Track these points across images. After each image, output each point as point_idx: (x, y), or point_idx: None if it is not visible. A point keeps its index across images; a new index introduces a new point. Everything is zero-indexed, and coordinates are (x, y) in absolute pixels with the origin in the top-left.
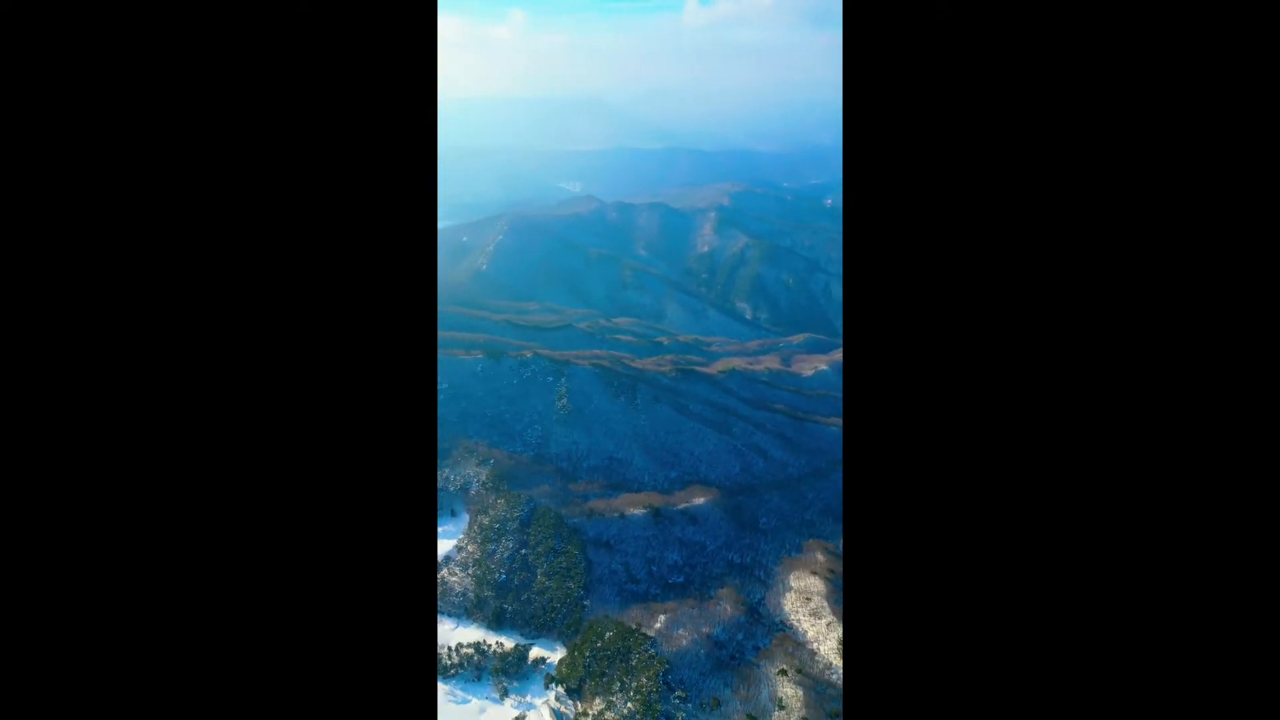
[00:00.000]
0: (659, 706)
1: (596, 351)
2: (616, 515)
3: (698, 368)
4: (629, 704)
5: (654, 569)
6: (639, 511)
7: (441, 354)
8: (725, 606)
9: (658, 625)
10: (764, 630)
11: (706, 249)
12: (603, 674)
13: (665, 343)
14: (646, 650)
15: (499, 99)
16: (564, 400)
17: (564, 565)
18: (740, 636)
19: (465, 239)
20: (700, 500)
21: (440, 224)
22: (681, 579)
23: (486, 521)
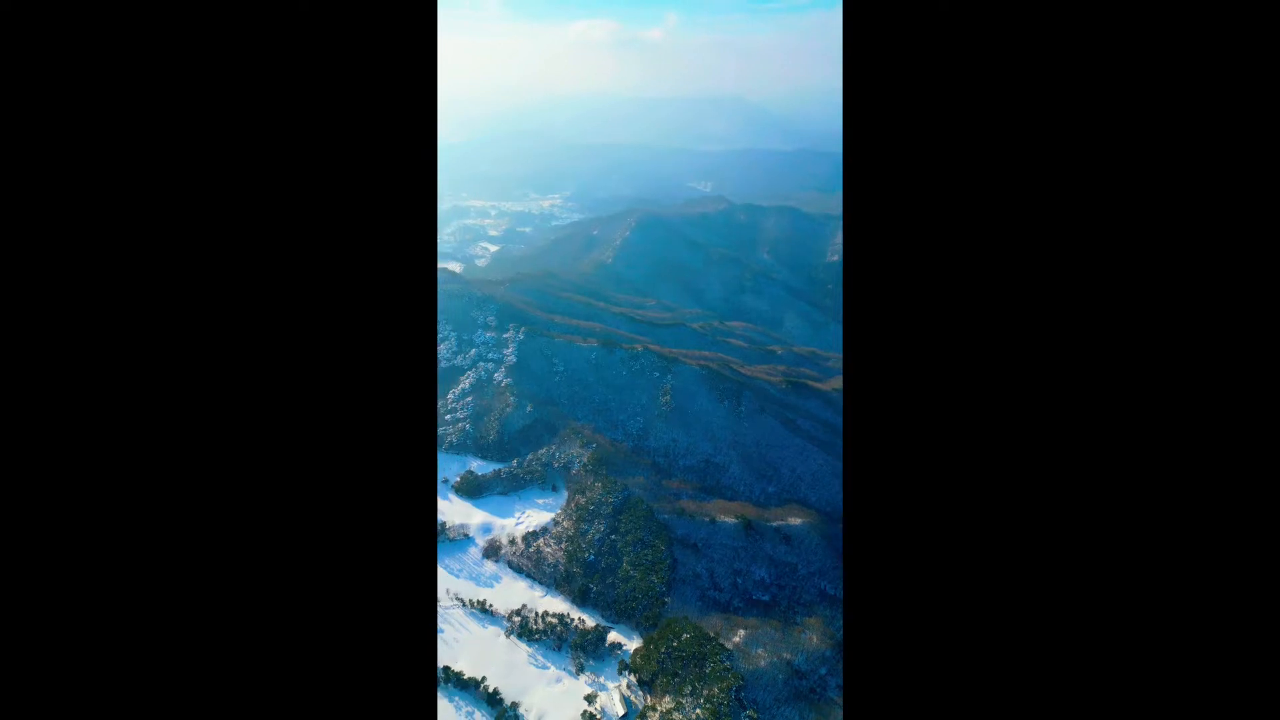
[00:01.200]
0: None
1: (706, 353)
2: (707, 519)
3: (810, 382)
4: (698, 710)
5: (739, 581)
6: (730, 520)
7: (559, 339)
8: (811, 636)
9: (736, 639)
10: None
11: (835, 258)
12: (675, 674)
13: (779, 352)
14: (722, 661)
15: (643, 99)
16: (668, 397)
17: (650, 558)
18: (824, 670)
19: (595, 233)
20: (796, 520)
21: (571, 218)
22: (768, 598)
23: (583, 501)
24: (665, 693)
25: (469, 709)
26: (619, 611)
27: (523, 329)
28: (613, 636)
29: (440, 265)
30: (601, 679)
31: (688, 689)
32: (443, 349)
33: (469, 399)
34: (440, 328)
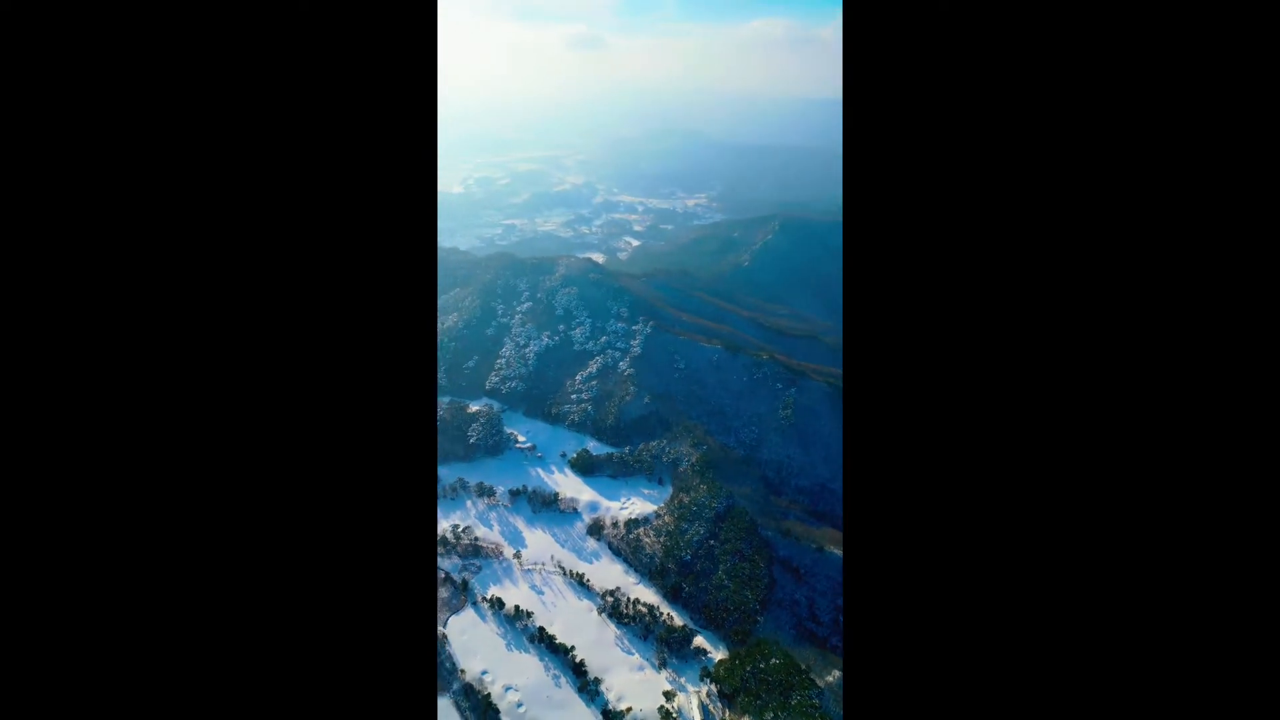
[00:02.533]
0: None
1: (835, 370)
2: (814, 546)
3: None
4: None
5: (841, 620)
6: (838, 551)
7: (684, 337)
8: None
9: (829, 678)
10: None
11: None
12: (759, 696)
13: None
14: (811, 697)
15: (814, 100)
16: (788, 410)
17: (747, 572)
18: None
19: (736, 235)
20: None
21: (714, 218)
22: None
23: (686, 500)
24: (745, 712)
25: (555, 672)
26: (708, 618)
27: (651, 323)
28: (699, 641)
29: (585, 255)
30: (683, 680)
31: (769, 716)
32: (576, 333)
33: (594, 382)
34: (577, 313)
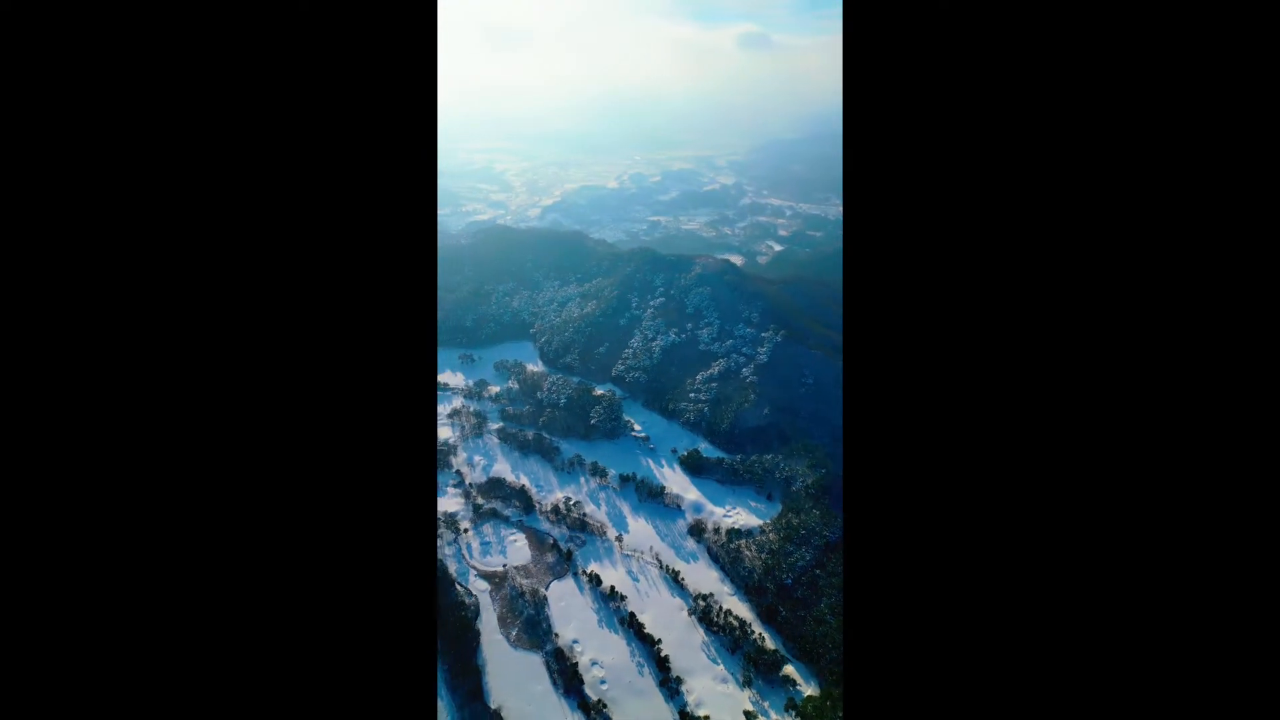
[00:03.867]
0: None
1: None
2: None
3: None
4: None
5: None
6: None
7: (814, 350)
8: None
9: None
10: None
11: None
12: None
13: None
14: None
15: None
16: None
17: None
18: None
19: None
20: None
21: None
22: None
23: (796, 522)
24: None
25: (640, 660)
26: (802, 649)
27: (782, 331)
28: (789, 670)
29: (723, 256)
30: (766, 705)
31: None
32: (703, 333)
33: (714, 384)
34: (706, 313)
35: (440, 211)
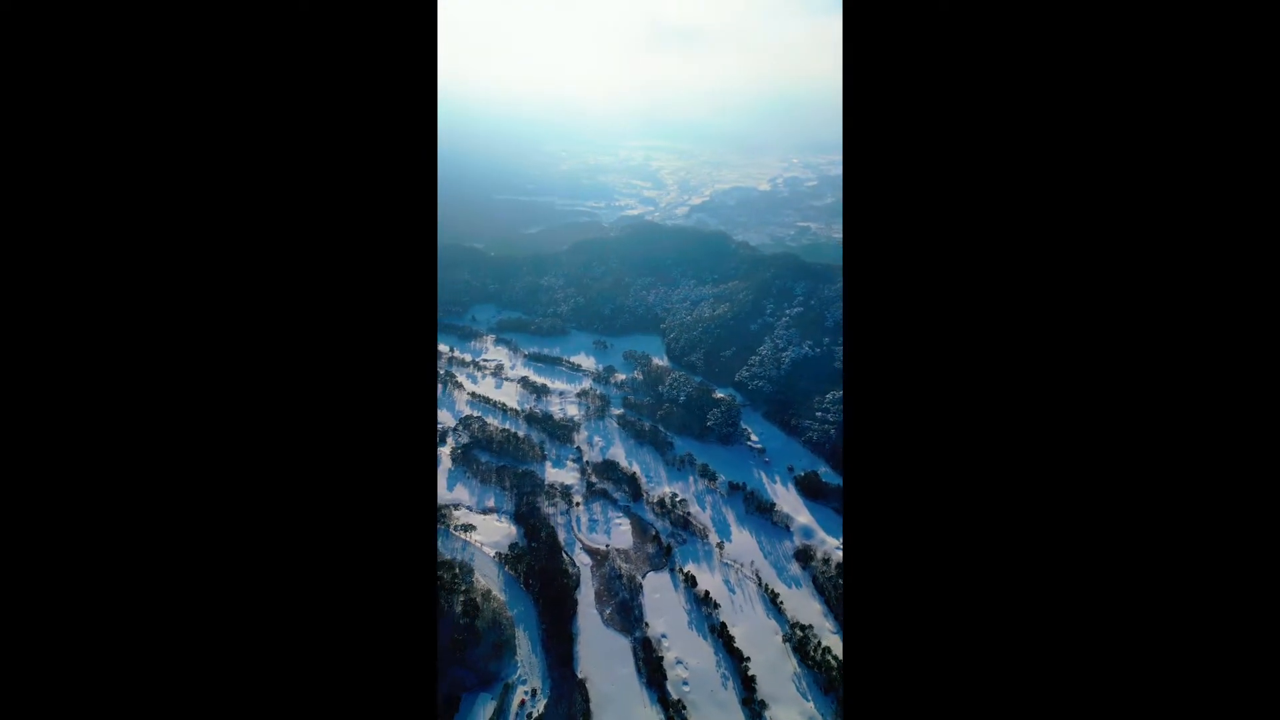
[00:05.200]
0: None
1: None
2: None
3: None
4: None
5: None
6: None
7: None
8: None
9: None
10: None
11: None
12: None
13: None
14: None
15: None
16: None
17: None
18: None
19: None
20: None
21: None
22: None
23: None
24: None
25: (725, 673)
26: None
27: None
28: None
29: None
30: None
31: None
32: (840, 349)
33: (840, 407)
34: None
35: (595, 205)
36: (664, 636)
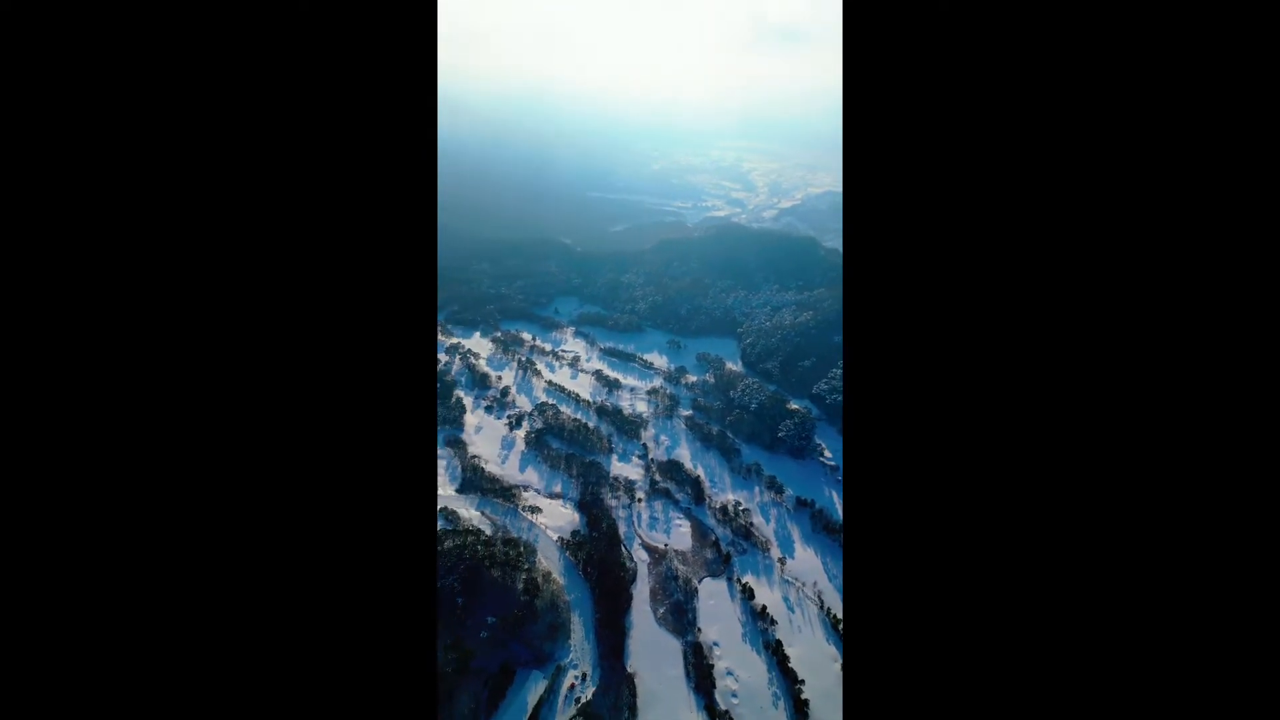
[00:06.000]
0: None
1: None
2: None
3: None
4: None
5: None
6: None
7: None
8: None
9: None
10: None
11: None
12: None
13: None
14: None
15: None
16: None
17: None
18: None
19: None
20: None
21: None
22: None
23: None
24: None
25: (777, 691)
26: None
27: None
28: None
29: None
30: None
31: None
32: None
33: None
34: None
35: (681, 205)
36: (716, 644)
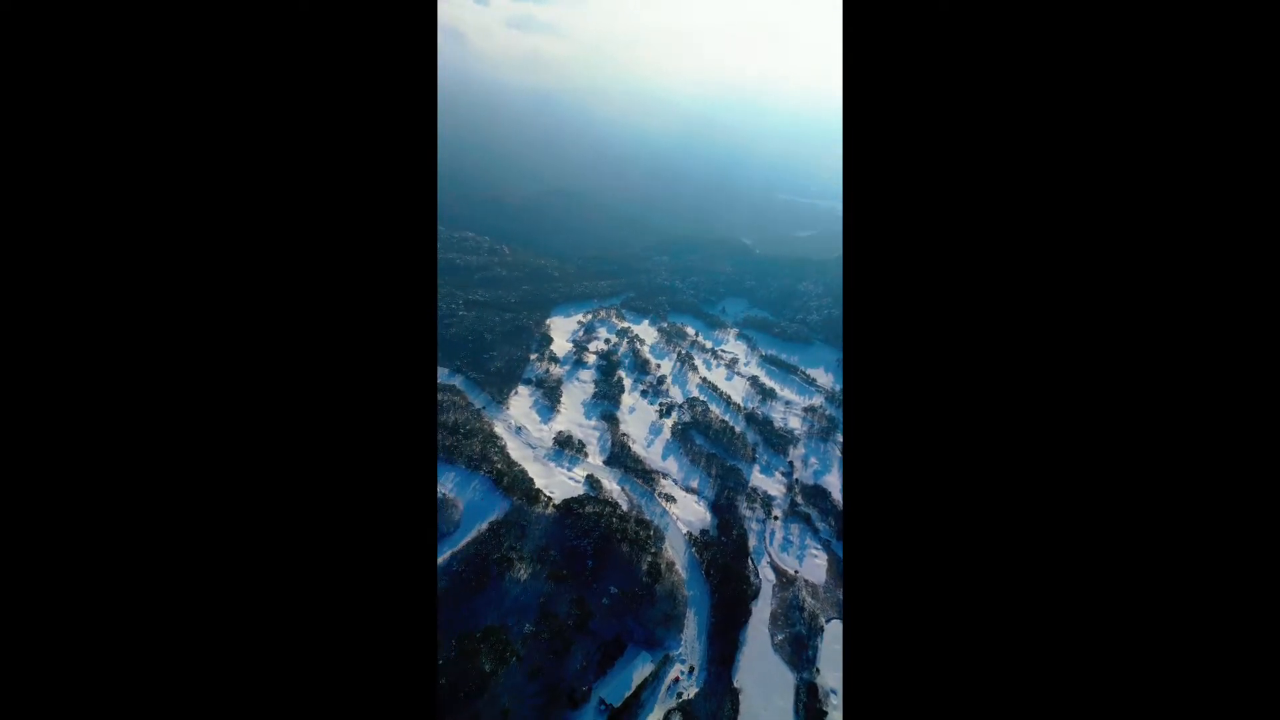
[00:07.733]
0: None
1: None
2: None
3: None
4: None
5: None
6: None
7: None
8: None
9: None
10: None
11: None
12: None
13: None
14: None
15: None
16: None
17: None
18: None
19: None
20: None
21: None
22: None
23: None
24: None
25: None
26: None
27: None
28: None
29: None
30: None
31: None
32: None
33: None
34: None
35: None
36: (834, 692)
